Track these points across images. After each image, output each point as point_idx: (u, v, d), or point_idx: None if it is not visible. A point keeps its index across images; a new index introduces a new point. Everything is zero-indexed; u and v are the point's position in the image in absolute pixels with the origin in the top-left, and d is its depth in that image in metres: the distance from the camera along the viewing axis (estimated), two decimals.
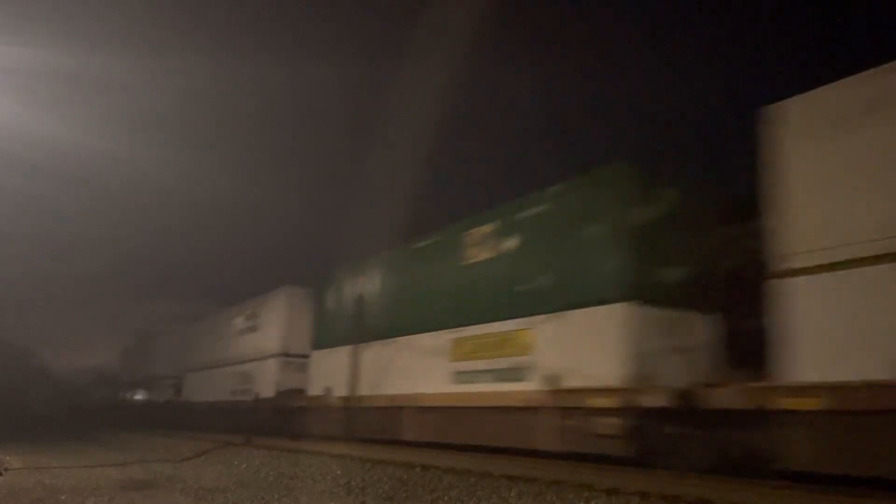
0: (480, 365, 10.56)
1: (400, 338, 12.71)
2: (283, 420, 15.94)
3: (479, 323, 10.72)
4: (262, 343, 18.61)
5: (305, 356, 16.42)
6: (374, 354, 13.28)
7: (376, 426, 12.78)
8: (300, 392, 15.97)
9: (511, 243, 10.52)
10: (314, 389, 15.26)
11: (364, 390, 13.23)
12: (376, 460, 9.11)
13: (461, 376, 10.92)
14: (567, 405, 8.68)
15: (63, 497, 7.37)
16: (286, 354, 17.52)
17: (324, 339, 15.44)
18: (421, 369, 11.83)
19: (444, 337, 11.41)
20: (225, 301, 24.49)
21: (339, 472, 8.65)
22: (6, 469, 9.79)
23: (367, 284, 14.31)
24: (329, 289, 15.79)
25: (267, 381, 17.76)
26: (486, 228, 11.15)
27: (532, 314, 9.68)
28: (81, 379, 47.78)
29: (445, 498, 6.66)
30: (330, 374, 14.61)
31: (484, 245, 11.11)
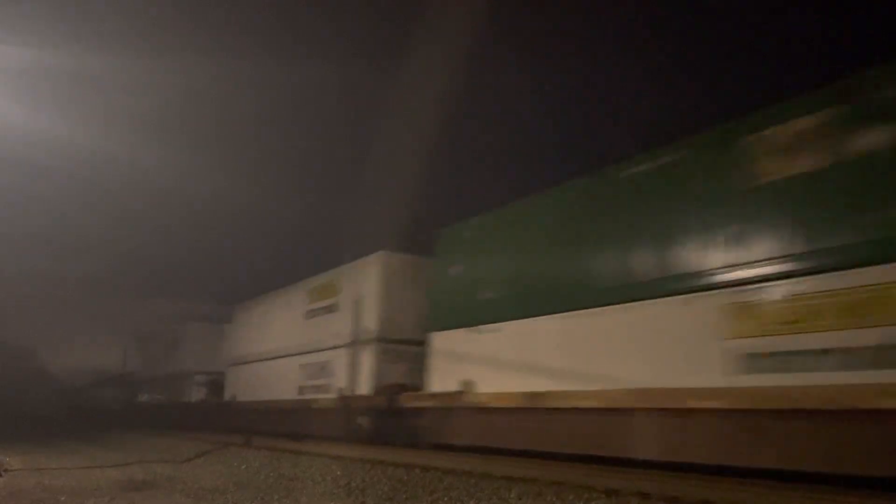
0: (805, 342, 6.41)
1: (601, 308, 8.66)
2: (391, 425, 12.05)
3: (788, 278, 6.71)
4: (348, 325, 14.17)
5: (409, 341, 12.79)
6: (549, 334, 9.27)
7: (572, 437, 8.64)
8: (407, 387, 12.23)
9: (873, 137, 6.34)
10: (440, 384, 11.02)
11: (533, 385, 9.17)
12: (376, 461, 9.15)
13: (758, 362, 6.76)
14: None
15: (63, 498, 7.35)
16: (384, 339, 12.94)
17: (452, 316, 11.24)
18: (654, 352, 7.89)
19: (707, 303, 7.36)
20: (226, 301, 23.52)
21: (339, 472, 8.66)
22: (6, 470, 9.77)
23: (528, 237, 10.32)
24: (455, 250, 11.69)
25: (357, 374, 13.54)
26: (803, 123, 6.90)
27: None
28: (84, 379, 44.73)
29: (445, 499, 6.66)
30: (467, 363, 10.51)
31: (798, 151, 6.87)
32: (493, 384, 9.91)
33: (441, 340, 11.26)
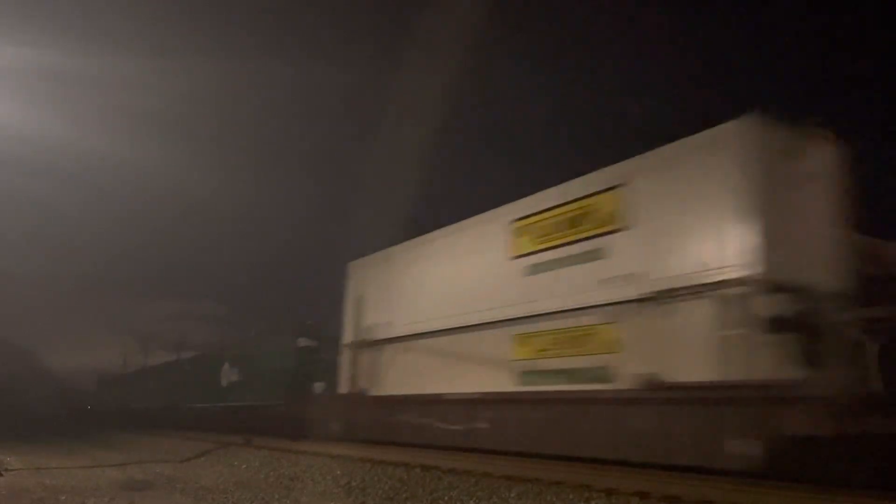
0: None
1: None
2: None
3: None
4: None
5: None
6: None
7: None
8: None
9: None
10: None
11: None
12: (376, 461, 9.25)
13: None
14: None
15: (63, 497, 7.46)
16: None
17: None
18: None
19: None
20: (226, 301, 20.17)
21: (339, 472, 8.78)
22: (7, 469, 9.87)
23: None
24: None
25: None
26: None
27: None
28: (84, 378, 43.79)
29: (445, 498, 6.79)
30: None
31: None
32: None
33: None
